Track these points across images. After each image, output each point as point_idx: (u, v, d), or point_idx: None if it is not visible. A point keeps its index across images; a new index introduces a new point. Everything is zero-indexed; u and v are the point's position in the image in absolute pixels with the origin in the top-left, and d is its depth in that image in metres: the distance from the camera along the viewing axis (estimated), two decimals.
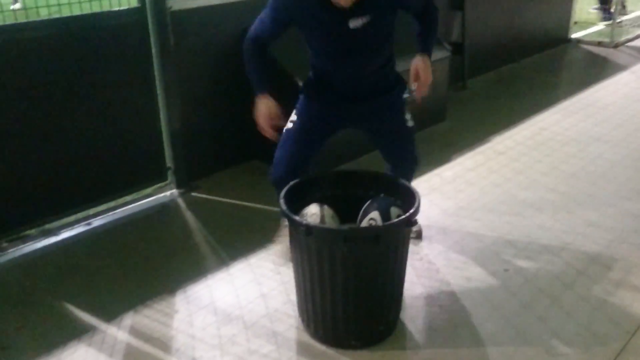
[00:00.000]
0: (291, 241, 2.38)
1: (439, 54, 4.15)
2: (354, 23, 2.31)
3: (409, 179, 2.72)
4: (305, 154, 2.68)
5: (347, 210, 2.51)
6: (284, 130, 2.66)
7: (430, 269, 2.89)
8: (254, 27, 2.51)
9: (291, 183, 2.43)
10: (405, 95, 2.71)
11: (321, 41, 2.46)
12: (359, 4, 2.28)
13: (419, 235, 3.06)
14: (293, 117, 2.69)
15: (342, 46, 2.42)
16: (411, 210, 2.23)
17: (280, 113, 2.54)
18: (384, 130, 2.75)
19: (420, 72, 2.52)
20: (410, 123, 2.74)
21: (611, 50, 6.78)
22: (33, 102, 3.07)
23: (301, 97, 2.72)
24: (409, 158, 2.83)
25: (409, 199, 2.33)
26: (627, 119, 4.74)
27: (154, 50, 3.44)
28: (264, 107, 2.53)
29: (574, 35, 7.14)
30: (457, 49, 5.25)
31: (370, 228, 2.24)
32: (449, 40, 5.17)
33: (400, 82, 2.69)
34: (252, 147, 4.06)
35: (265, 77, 2.57)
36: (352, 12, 2.29)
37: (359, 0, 2.27)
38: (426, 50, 2.56)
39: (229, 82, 3.84)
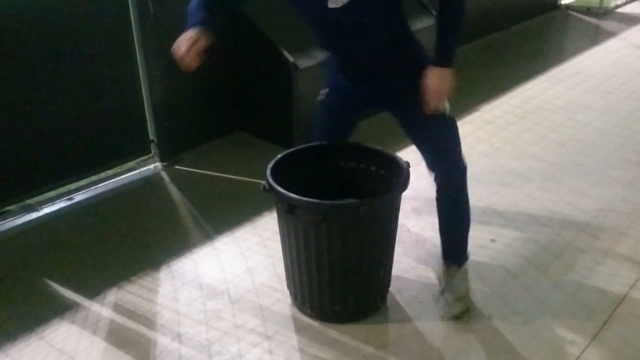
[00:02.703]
0: (277, 215, 2.33)
1: (425, 21, 4.06)
2: (333, 2, 1.98)
3: (458, 189, 2.36)
4: (336, 128, 2.47)
5: (334, 182, 2.47)
6: (316, 102, 2.44)
7: (418, 241, 2.86)
8: None
9: (278, 156, 2.37)
10: None
11: (306, 20, 2.15)
12: None
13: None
14: (324, 89, 2.43)
15: (327, 27, 2.11)
16: (401, 183, 2.18)
17: (206, 41, 2.11)
18: (411, 118, 2.25)
19: (428, 90, 2.06)
20: (449, 113, 2.19)
21: (601, 17, 6.71)
22: (11, 75, 2.98)
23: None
24: (449, 158, 2.29)
25: (397, 171, 2.29)
26: (617, 87, 4.70)
27: (133, 20, 3.34)
28: (191, 32, 2.09)
29: (563, 2, 7.05)
30: None
31: (355, 203, 2.19)
32: (435, 6, 5.07)
33: (426, 63, 2.10)
34: (236, 118, 4.00)
35: (210, 17, 2.13)
36: None
37: None
38: (439, 60, 2.05)
39: (212, 52, 3.74)
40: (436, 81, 2.04)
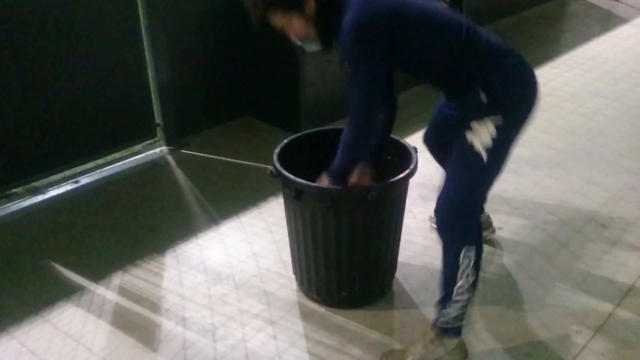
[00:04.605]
0: (284, 200, 2.32)
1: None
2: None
3: (439, 229, 2.02)
4: (435, 128, 2.49)
5: None
6: None
7: (424, 228, 2.84)
8: (362, 101, 1.94)
9: (284, 141, 2.35)
10: (484, 99, 1.90)
11: None
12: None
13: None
14: None
15: None
16: (410, 169, 2.16)
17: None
18: (455, 138, 1.99)
19: None
20: (479, 149, 1.87)
21: (613, 2, 6.61)
22: (17, 57, 2.96)
23: None
24: (443, 194, 1.99)
25: (406, 157, 2.26)
26: (627, 74, 4.64)
27: (139, 3, 3.30)
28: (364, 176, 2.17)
29: None
30: (455, 0, 5.09)
31: (362, 188, 2.17)
32: None
33: (473, 89, 1.90)
34: (242, 102, 3.98)
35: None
36: None
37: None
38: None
39: (219, 36, 3.72)
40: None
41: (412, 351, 2.08)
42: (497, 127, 1.86)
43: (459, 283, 1.97)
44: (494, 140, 1.87)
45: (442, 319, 2.03)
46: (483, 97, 1.88)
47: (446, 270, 2.00)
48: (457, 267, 1.95)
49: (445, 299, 2.01)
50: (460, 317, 2.02)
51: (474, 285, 1.99)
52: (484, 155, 1.87)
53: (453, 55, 1.91)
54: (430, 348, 2.05)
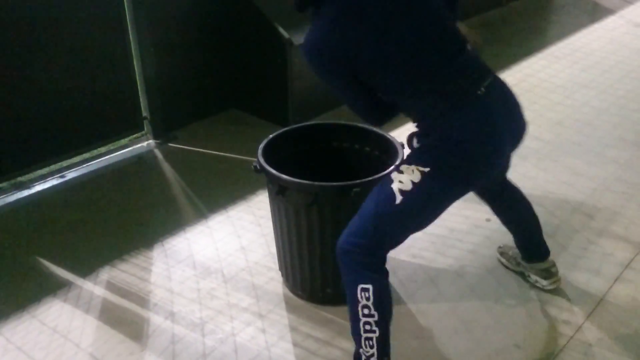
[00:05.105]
0: (268, 195, 2.31)
1: None
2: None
3: (337, 257, 1.87)
4: None
5: (328, 163, 2.44)
6: None
7: None
8: (356, 112, 1.90)
9: (269, 136, 2.34)
10: (416, 144, 1.86)
11: None
12: None
13: None
14: None
15: None
16: (395, 165, 2.15)
17: None
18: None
19: None
20: (395, 189, 1.77)
21: None
22: (2, 51, 2.92)
23: None
24: (349, 223, 1.87)
25: (392, 152, 2.26)
26: (614, 65, 4.66)
27: None
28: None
29: None
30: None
31: (347, 184, 2.15)
32: None
33: (412, 132, 1.86)
34: (230, 95, 3.96)
35: None
36: None
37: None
38: None
39: (205, 28, 3.69)
40: None
41: None
42: (423, 176, 1.74)
43: (360, 326, 1.82)
44: (415, 185, 1.74)
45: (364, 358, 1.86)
46: (415, 142, 1.83)
47: (348, 302, 1.85)
48: (355, 304, 1.82)
49: (357, 338, 1.86)
50: (381, 354, 1.84)
51: (382, 321, 1.81)
52: (398, 196, 1.75)
53: (408, 91, 1.78)
54: None
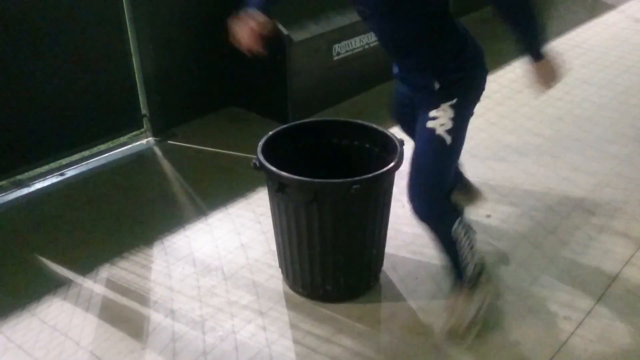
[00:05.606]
0: (268, 192, 2.31)
1: None
2: None
3: (421, 217, 2.05)
4: (401, 107, 2.31)
5: (328, 159, 2.44)
6: None
7: (412, 216, 2.84)
8: None
9: (269, 133, 2.33)
10: (437, 86, 1.97)
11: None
12: None
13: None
14: None
15: (361, 13, 2.00)
16: (395, 162, 2.15)
17: (268, 23, 2.10)
18: (417, 122, 2.06)
19: (536, 85, 2.07)
20: (442, 134, 1.93)
21: None
22: (0, 49, 2.93)
23: None
24: (415, 184, 2.01)
25: (392, 148, 2.25)
26: (615, 61, 4.65)
27: None
28: (249, 16, 2.11)
29: None
30: None
31: (347, 181, 2.15)
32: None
33: (426, 76, 1.99)
34: (230, 92, 3.95)
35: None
36: None
37: None
38: (531, 58, 2.00)
39: (204, 25, 3.68)
40: (538, 78, 2.04)
41: (462, 315, 2.15)
42: (454, 108, 1.94)
43: (463, 253, 2.08)
44: (453, 120, 1.94)
45: (466, 282, 2.15)
46: (436, 85, 1.96)
47: (446, 251, 2.11)
48: (454, 243, 2.05)
49: (460, 272, 2.13)
50: (477, 269, 2.15)
51: (473, 244, 2.10)
52: (447, 138, 1.94)
53: (438, 22, 1.94)
54: (473, 300, 2.16)
